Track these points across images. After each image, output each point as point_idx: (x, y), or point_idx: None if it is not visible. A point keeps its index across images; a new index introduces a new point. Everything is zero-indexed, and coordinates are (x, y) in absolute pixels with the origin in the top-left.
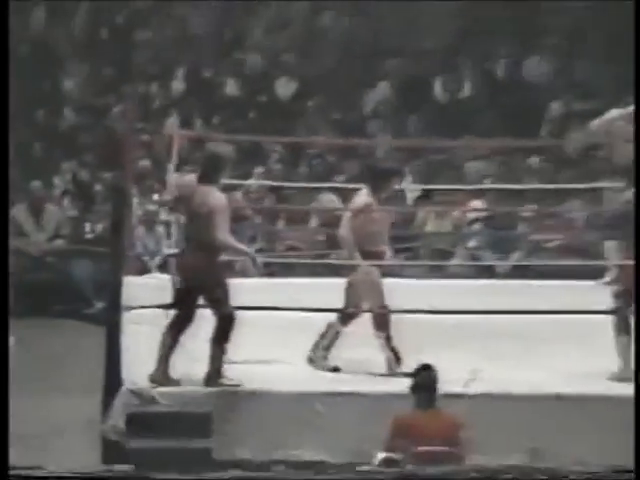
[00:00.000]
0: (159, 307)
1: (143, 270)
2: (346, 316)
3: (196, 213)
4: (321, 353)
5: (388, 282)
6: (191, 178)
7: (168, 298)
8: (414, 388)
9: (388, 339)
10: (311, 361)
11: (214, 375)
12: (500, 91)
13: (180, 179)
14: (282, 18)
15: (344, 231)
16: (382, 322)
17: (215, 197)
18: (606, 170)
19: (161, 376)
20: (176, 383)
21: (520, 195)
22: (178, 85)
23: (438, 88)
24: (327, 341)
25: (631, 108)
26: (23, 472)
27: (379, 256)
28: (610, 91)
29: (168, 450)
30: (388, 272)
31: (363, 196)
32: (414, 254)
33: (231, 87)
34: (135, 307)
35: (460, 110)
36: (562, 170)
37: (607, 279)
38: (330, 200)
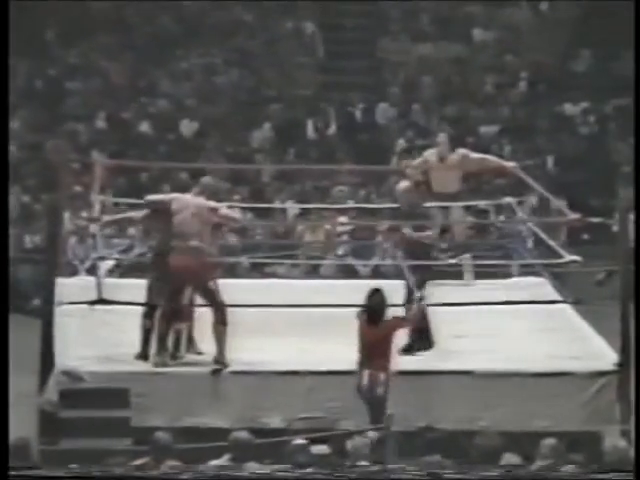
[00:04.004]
0: (85, 303)
1: (73, 273)
2: None
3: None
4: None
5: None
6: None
7: (93, 296)
8: (366, 307)
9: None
10: None
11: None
12: (358, 130)
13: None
14: (185, 70)
15: None
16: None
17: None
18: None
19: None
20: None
21: (376, 212)
22: (101, 124)
23: (309, 128)
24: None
25: (438, 147)
26: (23, 472)
27: None
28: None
29: (93, 419)
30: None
31: None
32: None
33: (144, 126)
34: (66, 303)
35: (327, 145)
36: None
37: None
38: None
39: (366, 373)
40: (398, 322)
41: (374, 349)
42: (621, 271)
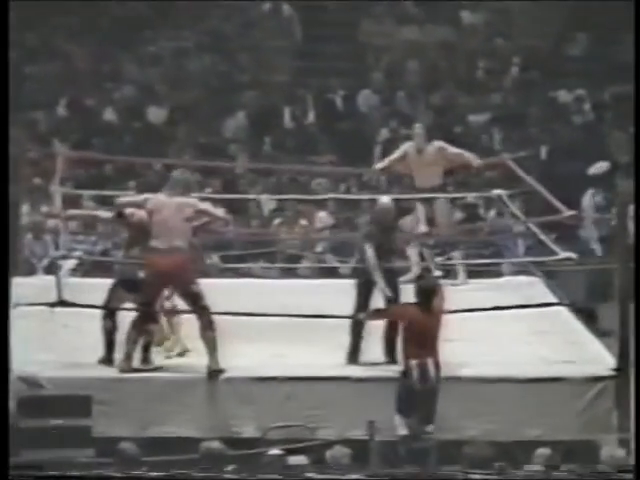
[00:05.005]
0: (44, 305)
1: (31, 272)
2: None
3: None
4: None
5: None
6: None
7: (53, 297)
8: (416, 291)
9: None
10: None
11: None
12: (339, 118)
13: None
14: (153, 54)
15: None
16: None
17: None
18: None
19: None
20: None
21: (357, 206)
22: (62, 112)
23: (286, 116)
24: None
25: (415, 139)
26: (23, 472)
27: None
28: (426, 119)
29: (53, 428)
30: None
31: None
32: (271, 258)
33: (109, 114)
34: (23, 304)
35: (305, 135)
36: (393, 186)
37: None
38: None
39: (431, 362)
40: (443, 303)
41: (430, 336)
42: (620, 269)
